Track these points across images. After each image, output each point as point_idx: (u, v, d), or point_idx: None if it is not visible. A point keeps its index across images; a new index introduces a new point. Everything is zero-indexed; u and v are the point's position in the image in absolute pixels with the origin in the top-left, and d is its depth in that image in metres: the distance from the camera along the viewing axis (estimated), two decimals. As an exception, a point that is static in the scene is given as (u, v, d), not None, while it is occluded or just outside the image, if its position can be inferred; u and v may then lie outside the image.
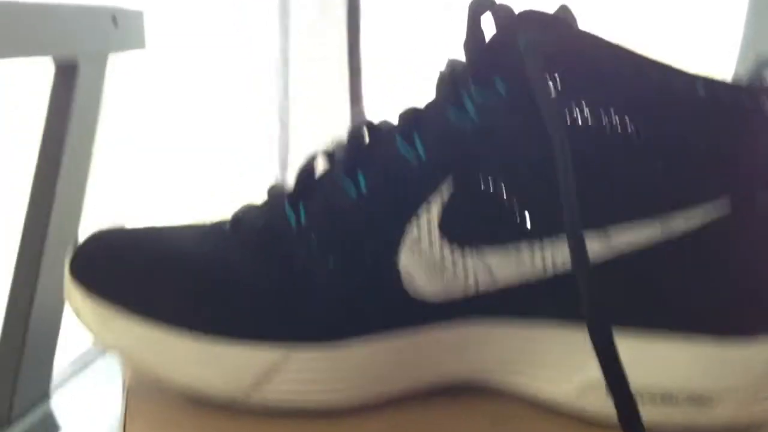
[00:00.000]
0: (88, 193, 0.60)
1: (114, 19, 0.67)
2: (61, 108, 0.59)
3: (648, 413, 0.29)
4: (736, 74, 0.30)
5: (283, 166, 0.76)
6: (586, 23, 0.29)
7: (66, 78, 0.59)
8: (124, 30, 0.67)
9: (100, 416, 0.32)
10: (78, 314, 0.31)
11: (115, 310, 0.30)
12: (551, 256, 0.29)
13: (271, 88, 0.76)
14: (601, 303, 0.25)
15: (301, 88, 0.77)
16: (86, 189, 0.60)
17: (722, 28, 0.66)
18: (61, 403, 0.37)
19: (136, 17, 0.69)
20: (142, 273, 0.30)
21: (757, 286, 0.29)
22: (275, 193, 0.33)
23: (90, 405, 0.36)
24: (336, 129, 0.34)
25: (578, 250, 0.25)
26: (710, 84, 0.28)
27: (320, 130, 0.73)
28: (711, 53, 0.65)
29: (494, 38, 0.29)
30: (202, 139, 0.72)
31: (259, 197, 0.33)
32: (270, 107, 0.76)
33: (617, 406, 0.24)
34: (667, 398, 0.29)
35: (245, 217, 0.32)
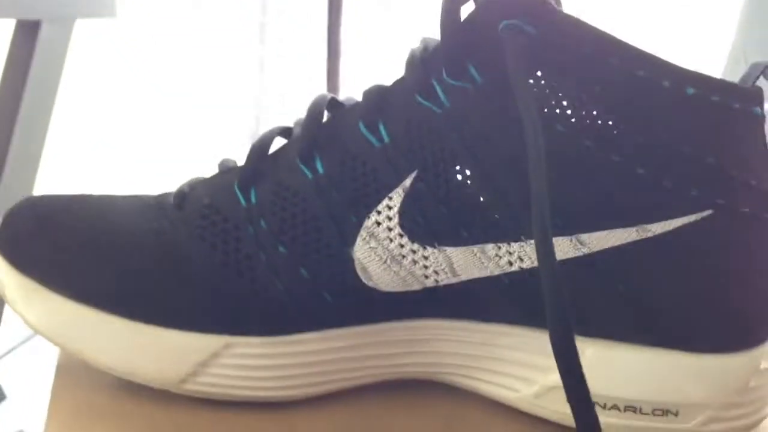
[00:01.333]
0: (45, 160, 0.57)
1: (83, -19, 0.63)
2: (18, 70, 0.56)
3: (610, 420, 0.28)
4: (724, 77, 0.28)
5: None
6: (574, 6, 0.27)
7: (26, 37, 0.56)
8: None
9: (45, 385, 0.30)
10: (2, 289, 0.28)
11: (39, 287, 0.28)
12: (519, 259, 0.27)
13: (246, 67, 0.73)
14: (564, 310, 0.23)
15: (278, 65, 0.75)
16: (42, 157, 0.57)
17: (713, 33, 0.65)
18: (6, 371, 0.35)
19: (108, -20, 0.66)
20: (72, 249, 0.28)
21: (732, 299, 0.27)
22: (226, 168, 0.30)
23: (37, 374, 0.33)
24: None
25: (546, 255, 0.23)
26: (701, 82, 0.26)
27: (295, 107, 0.71)
28: (701, 57, 0.64)
29: (471, 18, 0.27)
30: (168, 115, 0.69)
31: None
32: (244, 85, 0.73)
33: (575, 414, 0.22)
34: (631, 408, 0.28)
35: (191, 192, 0.29)
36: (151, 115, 0.69)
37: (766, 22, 0.67)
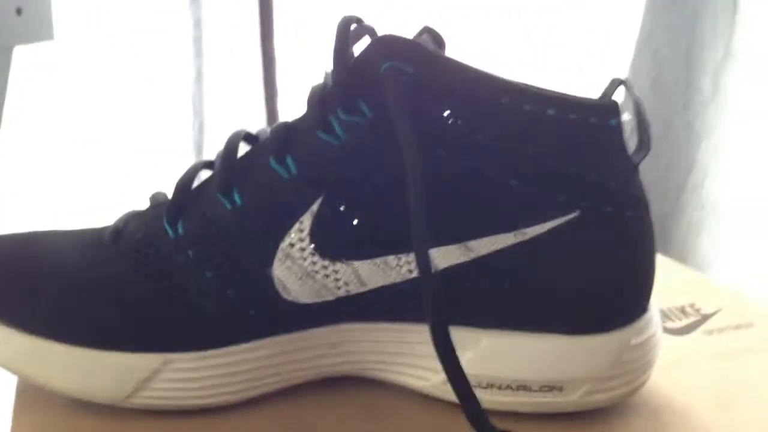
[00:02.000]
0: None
1: (18, 10, 0.66)
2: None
3: (505, 399, 0.32)
4: (632, 71, 0.32)
5: (198, 152, 0.77)
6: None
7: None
8: (30, 20, 0.66)
9: (5, 408, 0.33)
10: (-43, 327, 0.32)
11: (-8, 324, 0.31)
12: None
13: (184, 80, 0.76)
14: (440, 308, 0.27)
15: (215, 77, 0.78)
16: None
17: (619, 25, 0.69)
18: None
19: (44, 6, 0.68)
20: (20, 286, 0.31)
21: (601, 287, 0.31)
22: (156, 203, 0.34)
23: None
24: (250, 119, 0.35)
25: (422, 261, 0.27)
26: (560, 102, 0.30)
27: (234, 119, 0.74)
28: (608, 51, 0.68)
29: (359, 60, 0.30)
30: (110, 133, 0.72)
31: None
32: (183, 97, 0.76)
33: (457, 394, 0.27)
34: (522, 387, 0.32)
35: (126, 227, 0.33)
36: (93, 132, 0.71)
37: (670, 7, 0.72)
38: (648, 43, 0.70)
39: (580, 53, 0.65)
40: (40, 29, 0.69)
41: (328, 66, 0.34)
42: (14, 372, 0.32)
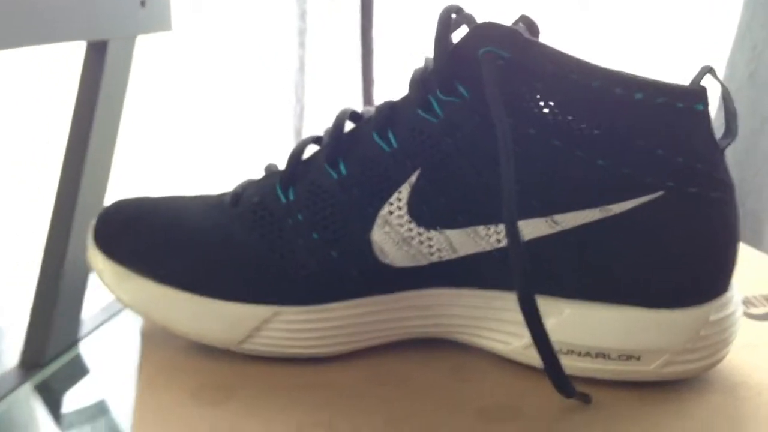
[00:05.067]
0: (117, 161, 0.65)
1: (142, 2, 0.71)
2: (91, 85, 0.64)
3: (584, 365, 0.34)
4: (729, 66, 0.33)
5: (298, 136, 0.81)
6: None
7: (96, 56, 0.64)
8: (151, 12, 0.72)
9: (124, 360, 0.38)
10: (99, 275, 0.36)
11: (129, 273, 0.35)
12: (505, 237, 0.33)
13: (287, 69, 0.80)
14: (528, 277, 0.29)
15: (316, 66, 0.82)
16: (114, 159, 0.65)
17: (718, 20, 0.69)
18: (89, 348, 0.42)
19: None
20: (153, 241, 0.36)
21: (683, 264, 0.33)
22: (270, 172, 0.37)
23: (115, 350, 0.41)
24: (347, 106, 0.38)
25: (512, 232, 0.29)
26: (648, 87, 0.32)
27: (333, 107, 0.78)
28: (706, 45, 0.68)
29: (458, 45, 0.33)
30: (221, 116, 0.77)
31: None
32: (286, 85, 0.80)
33: (542, 358, 0.29)
34: (601, 354, 0.34)
35: (244, 192, 0.37)
36: (204, 114, 0.76)
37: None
38: (746, 38, 0.69)
39: (679, 48, 0.65)
40: (160, 21, 0.75)
41: (428, 52, 0.37)
42: (144, 316, 0.36)
